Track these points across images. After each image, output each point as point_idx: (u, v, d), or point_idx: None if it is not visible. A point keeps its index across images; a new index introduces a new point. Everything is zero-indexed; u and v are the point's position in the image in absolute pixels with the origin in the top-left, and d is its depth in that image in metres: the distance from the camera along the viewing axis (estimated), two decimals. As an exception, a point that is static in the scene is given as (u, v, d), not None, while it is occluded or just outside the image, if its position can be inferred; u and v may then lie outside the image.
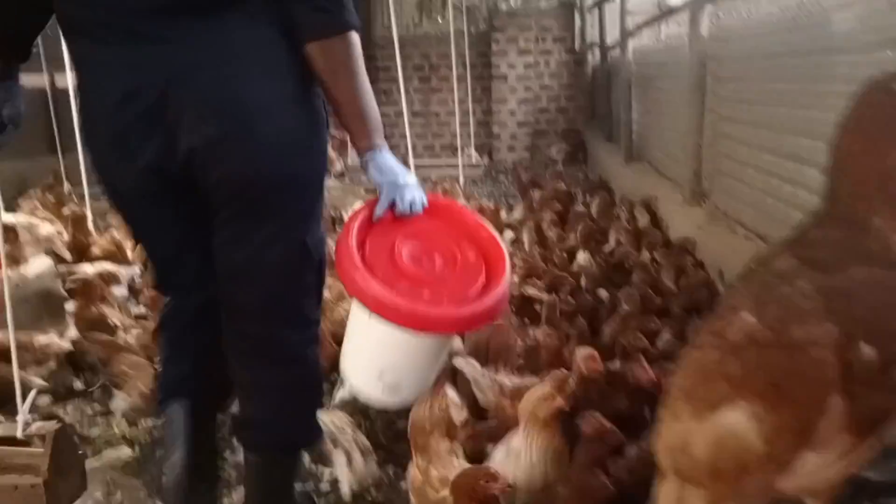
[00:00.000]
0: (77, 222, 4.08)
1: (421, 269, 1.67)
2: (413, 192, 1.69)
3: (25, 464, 1.63)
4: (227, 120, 1.45)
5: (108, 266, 3.43)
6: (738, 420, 1.08)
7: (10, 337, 1.83)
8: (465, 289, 1.66)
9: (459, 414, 1.88)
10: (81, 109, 1.58)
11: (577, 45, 8.81)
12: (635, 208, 4.26)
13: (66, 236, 3.94)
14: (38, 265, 2.93)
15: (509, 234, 4.07)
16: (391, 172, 1.65)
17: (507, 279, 1.70)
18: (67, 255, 3.68)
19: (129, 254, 3.79)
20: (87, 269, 3.36)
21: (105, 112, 1.48)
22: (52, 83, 6.71)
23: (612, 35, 6.76)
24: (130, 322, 2.89)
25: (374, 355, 1.71)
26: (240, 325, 1.66)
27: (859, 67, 2.12)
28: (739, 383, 1.09)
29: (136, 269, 3.69)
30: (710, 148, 3.78)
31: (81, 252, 3.77)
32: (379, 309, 1.57)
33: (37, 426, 1.71)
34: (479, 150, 8.47)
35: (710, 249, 3.28)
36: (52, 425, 1.72)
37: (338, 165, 7.37)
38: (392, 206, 1.68)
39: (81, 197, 4.70)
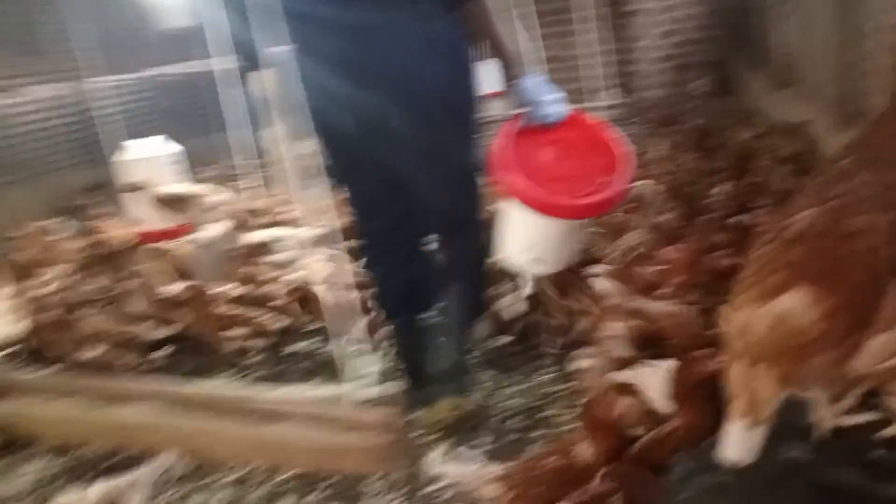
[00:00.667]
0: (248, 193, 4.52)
1: (557, 168, 2.15)
2: (551, 108, 2.16)
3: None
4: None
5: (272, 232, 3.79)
6: (795, 302, 1.17)
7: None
8: (591, 184, 2.13)
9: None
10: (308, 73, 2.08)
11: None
12: (783, 135, 4.04)
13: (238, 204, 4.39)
14: (219, 227, 3.34)
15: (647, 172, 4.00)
16: (533, 93, 2.14)
17: (627, 178, 2.16)
18: (239, 222, 4.09)
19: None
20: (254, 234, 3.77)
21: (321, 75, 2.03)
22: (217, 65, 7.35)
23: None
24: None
25: (521, 236, 2.25)
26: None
27: None
28: (798, 270, 1.19)
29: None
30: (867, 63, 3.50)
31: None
32: (523, 198, 2.10)
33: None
34: (617, 89, 8.23)
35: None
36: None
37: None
38: (536, 119, 2.16)
39: (250, 171, 5.18)
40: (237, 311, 2.98)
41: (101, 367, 2.80)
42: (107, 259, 3.49)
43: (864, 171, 1.18)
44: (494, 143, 2.15)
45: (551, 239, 2.25)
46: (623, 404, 1.64)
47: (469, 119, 2.19)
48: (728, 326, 1.29)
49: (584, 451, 1.60)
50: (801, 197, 1.28)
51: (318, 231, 3.83)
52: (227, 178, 5.95)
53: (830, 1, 3.57)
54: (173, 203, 3.61)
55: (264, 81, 2.26)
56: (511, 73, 2.16)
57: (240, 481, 2.16)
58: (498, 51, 2.15)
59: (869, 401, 1.37)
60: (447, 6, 2.04)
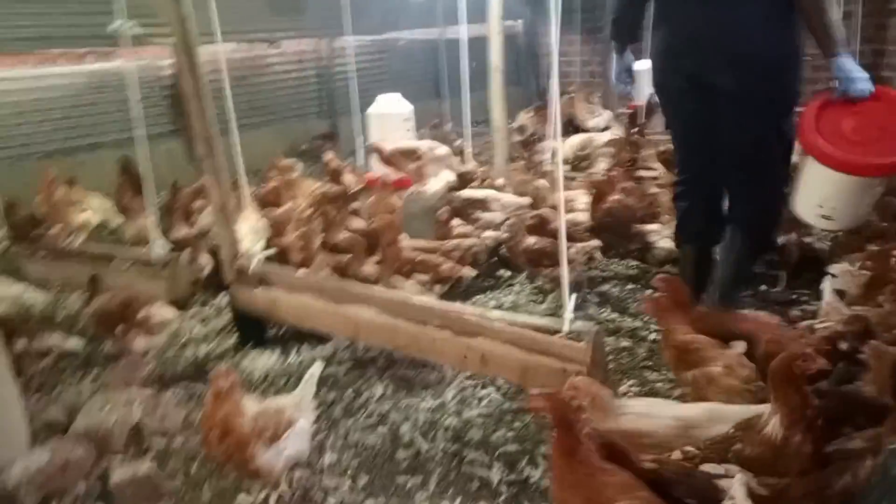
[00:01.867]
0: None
1: (860, 135, 2.48)
2: (861, 84, 2.50)
3: (570, 355, 2.15)
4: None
5: (485, 192, 4.03)
6: None
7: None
8: (887, 150, 2.44)
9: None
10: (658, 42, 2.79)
11: None
12: None
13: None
14: (438, 182, 3.62)
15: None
16: (846, 70, 2.50)
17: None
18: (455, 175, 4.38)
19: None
20: (466, 193, 4.03)
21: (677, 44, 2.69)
22: (443, 36, 7.76)
23: None
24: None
25: (814, 192, 2.64)
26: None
27: None
28: None
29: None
30: None
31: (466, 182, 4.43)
32: (820, 157, 2.50)
33: (578, 325, 2.25)
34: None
35: None
36: (592, 326, 2.26)
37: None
38: (845, 93, 2.51)
39: (461, 134, 5.49)
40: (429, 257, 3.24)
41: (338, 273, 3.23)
42: (337, 198, 3.93)
43: None
44: (805, 110, 2.57)
45: (842, 198, 2.59)
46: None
47: (788, 91, 2.62)
48: None
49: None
50: None
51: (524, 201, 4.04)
52: (448, 140, 6.34)
53: None
54: (402, 155, 3.95)
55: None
56: (828, 50, 2.49)
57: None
58: (818, 29, 2.48)
59: None
60: None
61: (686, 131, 2.90)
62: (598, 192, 3.84)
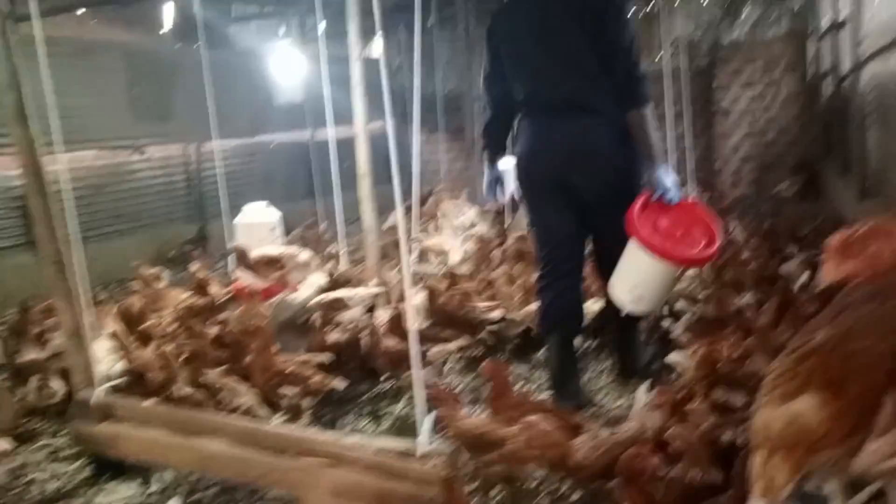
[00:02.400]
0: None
1: (670, 232, 2.93)
2: (671, 194, 2.95)
3: (425, 479, 2.12)
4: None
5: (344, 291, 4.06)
6: (806, 405, 1.41)
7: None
8: (693, 245, 2.93)
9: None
10: (523, 148, 3.21)
11: (808, 74, 8.36)
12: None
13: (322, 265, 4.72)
14: (308, 289, 3.63)
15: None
16: (661, 180, 2.95)
17: (717, 246, 2.93)
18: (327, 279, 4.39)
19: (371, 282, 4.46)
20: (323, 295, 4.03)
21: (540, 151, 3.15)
22: (312, 137, 7.94)
23: (847, 63, 6.39)
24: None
25: (630, 277, 2.98)
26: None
27: None
28: (809, 379, 1.43)
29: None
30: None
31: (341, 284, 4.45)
32: (644, 242, 2.85)
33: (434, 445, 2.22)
34: (700, 185, 8.35)
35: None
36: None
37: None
38: (660, 198, 2.96)
39: (335, 234, 5.57)
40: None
41: (192, 404, 3.08)
42: (205, 309, 3.83)
43: (870, 301, 1.38)
44: (632, 208, 2.94)
45: (652, 283, 2.97)
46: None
47: (631, 190, 3.03)
48: (754, 422, 1.53)
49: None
50: (818, 319, 1.48)
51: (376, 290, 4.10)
52: (315, 241, 6.39)
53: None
54: (268, 263, 3.95)
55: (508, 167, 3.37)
56: (649, 162, 2.98)
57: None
58: (642, 145, 2.99)
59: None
60: (621, 114, 2.98)
61: (549, 226, 3.27)
62: (431, 292, 3.94)
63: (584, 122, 3.04)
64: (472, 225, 5.98)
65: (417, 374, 2.29)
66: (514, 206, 7.36)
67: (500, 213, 7.21)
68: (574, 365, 3.29)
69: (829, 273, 1.38)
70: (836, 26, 6.68)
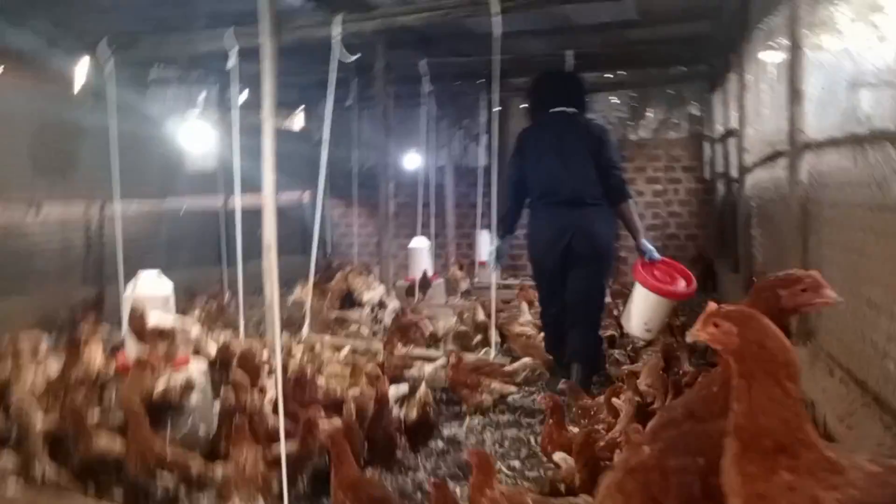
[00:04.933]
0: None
1: (663, 279, 4.32)
2: (654, 255, 4.44)
3: None
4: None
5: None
6: None
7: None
8: (679, 285, 4.35)
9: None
10: (540, 227, 4.58)
11: (706, 175, 8.95)
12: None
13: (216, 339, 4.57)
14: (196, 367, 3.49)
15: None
16: (647, 248, 4.46)
17: (693, 287, 4.43)
18: (212, 354, 4.25)
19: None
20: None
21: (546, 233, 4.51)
22: (225, 205, 7.83)
23: (736, 168, 6.88)
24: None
25: (641, 314, 4.30)
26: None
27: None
28: (630, 498, 1.50)
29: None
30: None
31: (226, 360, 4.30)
32: (650, 286, 4.25)
33: None
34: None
35: (806, 388, 3.27)
36: None
37: (463, 285, 7.84)
38: (650, 259, 4.43)
39: (238, 305, 5.44)
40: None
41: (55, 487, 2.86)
42: (81, 383, 3.61)
43: (686, 421, 1.45)
44: (635, 265, 4.45)
45: (655, 316, 4.30)
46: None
47: (612, 263, 4.71)
48: None
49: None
50: (643, 435, 1.54)
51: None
52: (218, 311, 6.21)
53: (794, 228, 3.93)
54: (158, 335, 3.79)
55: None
56: (637, 237, 4.51)
57: None
58: (630, 227, 4.56)
59: None
60: (609, 204, 4.45)
61: (551, 287, 4.53)
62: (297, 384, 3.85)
63: (584, 209, 4.39)
64: (381, 303, 5.97)
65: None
66: (426, 283, 7.44)
67: (411, 290, 7.25)
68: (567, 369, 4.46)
69: (694, 334, 1.42)
70: (727, 134, 7.23)
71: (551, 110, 4.63)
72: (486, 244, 4.96)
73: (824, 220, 3.63)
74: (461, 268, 8.16)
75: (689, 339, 1.40)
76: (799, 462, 1.17)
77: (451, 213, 9.70)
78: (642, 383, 3.71)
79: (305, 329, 5.07)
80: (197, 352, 4.08)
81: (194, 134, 7.20)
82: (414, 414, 3.44)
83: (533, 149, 4.50)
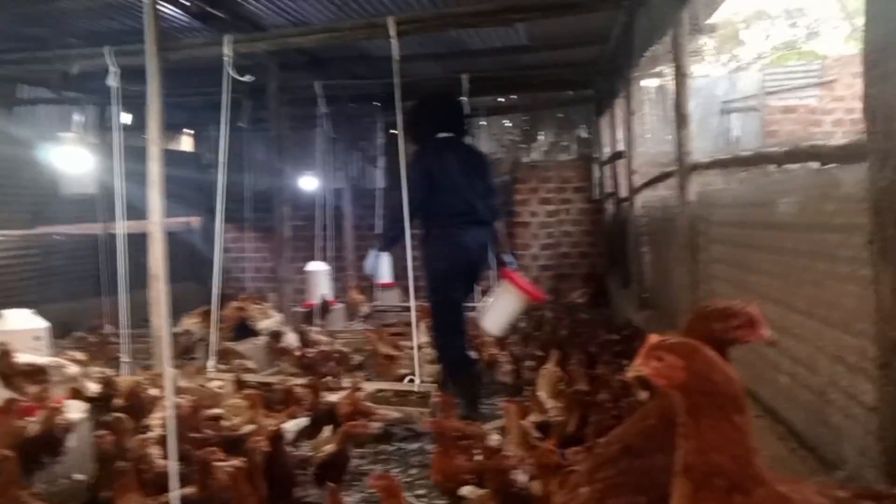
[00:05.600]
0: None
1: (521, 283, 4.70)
2: (515, 265, 4.93)
3: None
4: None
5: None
6: None
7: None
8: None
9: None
10: (440, 245, 4.65)
11: (595, 195, 9.29)
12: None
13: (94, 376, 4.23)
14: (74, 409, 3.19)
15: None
16: (511, 260, 4.91)
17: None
18: (92, 392, 3.93)
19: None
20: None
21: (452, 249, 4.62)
22: (105, 231, 7.35)
23: (624, 188, 7.17)
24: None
25: (504, 311, 4.64)
26: None
27: (802, 244, 2.36)
28: None
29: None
30: (705, 300, 3.97)
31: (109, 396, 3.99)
32: (520, 286, 4.62)
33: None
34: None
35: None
36: None
37: (363, 309, 7.70)
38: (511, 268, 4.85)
39: (119, 337, 5.07)
40: None
41: None
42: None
43: (623, 458, 1.41)
44: (506, 272, 4.72)
45: (513, 317, 4.76)
46: None
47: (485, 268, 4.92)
48: None
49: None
50: (577, 476, 1.49)
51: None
52: (99, 345, 5.77)
53: (683, 245, 4.10)
54: (29, 375, 3.45)
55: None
56: (504, 252, 4.88)
57: None
58: (504, 241, 4.96)
59: None
60: (491, 221, 4.77)
61: (448, 303, 4.66)
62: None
63: (480, 228, 4.69)
64: (279, 331, 5.73)
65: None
66: (325, 308, 7.25)
67: (309, 315, 7.04)
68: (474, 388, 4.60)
69: (636, 368, 1.35)
70: (615, 156, 7.54)
71: (438, 135, 4.78)
72: (371, 258, 4.77)
73: (713, 237, 3.82)
74: (361, 291, 8.02)
75: (630, 374, 1.34)
76: (752, 499, 1.15)
77: (350, 236, 9.55)
78: (542, 394, 3.73)
79: (211, 361, 4.77)
80: (76, 391, 3.75)
81: (70, 157, 6.71)
82: (330, 447, 3.29)
83: (430, 172, 4.62)
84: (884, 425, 1.53)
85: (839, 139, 2.05)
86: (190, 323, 5.99)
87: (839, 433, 2.06)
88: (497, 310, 4.65)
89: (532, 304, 5.11)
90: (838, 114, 9.96)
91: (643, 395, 3.92)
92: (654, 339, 1.31)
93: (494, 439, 3.28)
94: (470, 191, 4.64)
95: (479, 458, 2.98)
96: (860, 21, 1.46)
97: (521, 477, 2.58)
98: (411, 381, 4.61)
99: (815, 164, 2.28)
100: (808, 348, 2.33)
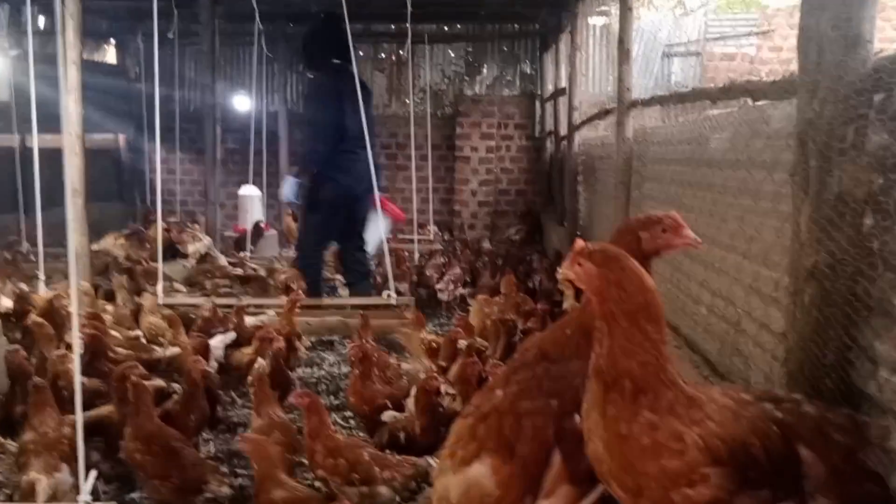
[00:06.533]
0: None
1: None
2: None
3: None
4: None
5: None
6: (480, 472, 1.40)
7: None
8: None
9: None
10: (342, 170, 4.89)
11: (536, 133, 9.27)
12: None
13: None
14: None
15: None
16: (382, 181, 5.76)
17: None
18: (5, 307, 3.78)
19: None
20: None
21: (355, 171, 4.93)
22: (23, 143, 6.91)
23: (565, 126, 7.17)
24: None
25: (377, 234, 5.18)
26: None
27: (730, 181, 2.41)
28: (483, 443, 1.43)
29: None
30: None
31: (23, 312, 3.83)
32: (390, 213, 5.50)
33: None
34: (440, 226, 8.79)
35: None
36: None
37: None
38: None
39: (37, 255, 4.84)
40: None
41: None
42: None
43: (539, 363, 1.43)
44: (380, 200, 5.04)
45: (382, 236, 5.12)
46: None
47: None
48: (433, 491, 1.50)
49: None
50: (494, 380, 1.51)
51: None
52: (13, 263, 5.50)
53: (619, 182, 4.14)
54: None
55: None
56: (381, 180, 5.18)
57: None
58: (380, 170, 5.16)
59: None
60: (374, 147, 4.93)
61: (330, 221, 4.99)
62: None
63: (365, 153, 4.74)
64: (207, 253, 5.58)
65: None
66: (258, 233, 7.09)
67: (240, 242, 6.88)
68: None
69: (563, 272, 1.35)
70: (557, 93, 7.50)
71: (333, 61, 4.92)
72: (290, 186, 5.08)
73: (646, 174, 3.87)
74: (295, 218, 7.86)
75: (558, 276, 1.37)
76: (660, 402, 1.18)
77: (285, 160, 9.28)
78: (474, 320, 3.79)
79: (159, 287, 4.55)
80: (-14, 308, 3.58)
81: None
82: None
83: (340, 95, 4.78)
84: (789, 350, 1.59)
85: (774, 77, 2.07)
86: (111, 243, 5.76)
87: (749, 361, 2.16)
88: (374, 231, 5.10)
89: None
90: (774, 64, 10.14)
91: (570, 301, 4.06)
92: (579, 244, 1.32)
93: (405, 367, 3.32)
94: (366, 116, 4.74)
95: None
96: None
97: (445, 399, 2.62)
98: (389, 296, 4.66)
99: (749, 102, 2.30)
100: (726, 281, 2.40)
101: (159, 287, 4.49)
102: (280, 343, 3.30)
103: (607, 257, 1.28)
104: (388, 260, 5.08)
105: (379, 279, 5.50)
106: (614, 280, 1.25)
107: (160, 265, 4.73)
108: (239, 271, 5.38)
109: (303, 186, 5.06)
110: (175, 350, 3.38)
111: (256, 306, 4.45)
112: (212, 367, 3.17)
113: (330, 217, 4.97)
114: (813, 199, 1.48)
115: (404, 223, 6.60)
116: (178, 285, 4.95)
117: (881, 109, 1.41)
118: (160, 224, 5.27)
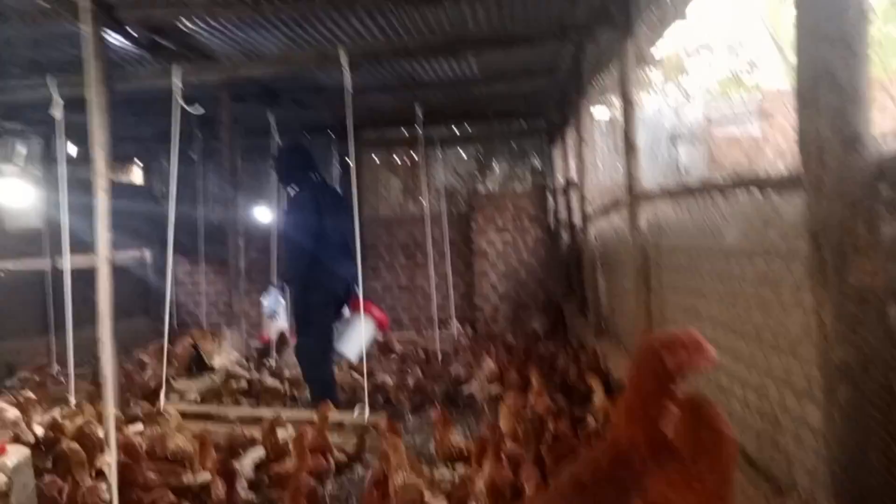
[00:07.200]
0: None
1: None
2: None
3: None
4: None
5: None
6: None
7: None
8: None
9: None
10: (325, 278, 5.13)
11: (551, 224, 9.39)
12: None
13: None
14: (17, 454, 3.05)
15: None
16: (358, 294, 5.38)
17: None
18: (31, 438, 3.78)
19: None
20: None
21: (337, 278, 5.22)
22: (53, 267, 7.12)
23: (579, 216, 7.26)
24: None
25: (356, 340, 5.13)
26: None
27: (747, 271, 2.42)
28: None
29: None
30: (658, 328, 4.02)
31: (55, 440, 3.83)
32: (375, 315, 5.34)
33: None
34: (461, 322, 8.78)
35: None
36: None
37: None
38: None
39: (67, 377, 4.88)
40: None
41: None
42: None
43: (576, 494, 1.39)
44: (369, 305, 5.25)
45: (365, 343, 5.13)
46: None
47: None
48: None
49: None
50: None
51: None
52: (43, 386, 5.54)
53: (635, 272, 4.15)
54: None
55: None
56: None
57: None
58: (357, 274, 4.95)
59: None
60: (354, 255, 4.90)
61: (328, 328, 5.17)
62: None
63: (349, 260, 4.98)
64: (235, 374, 5.61)
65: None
66: (283, 342, 7.11)
67: (263, 351, 6.90)
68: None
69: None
70: (567, 185, 7.65)
71: (311, 176, 5.33)
72: (273, 298, 5.20)
73: (664, 264, 3.88)
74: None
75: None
76: None
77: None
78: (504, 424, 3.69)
79: (162, 398, 4.62)
80: (16, 437, 3.59)
81: (14, 190, 6.52)
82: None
83: (319, 208, 5.14)
84: (830, 449, 1.55)
85: (780, 168, 2.12)
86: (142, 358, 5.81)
87: (790, 457, 2.09)
88: (356, 337, 5.11)
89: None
90: (779, 143, 10.32)
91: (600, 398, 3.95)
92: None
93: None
94: (343, 226, 5.11)
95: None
96: (791, 56, 1.52)
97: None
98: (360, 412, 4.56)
99: (757, 193, 2.34)
100: (757, 374, 2.37)
101: (162, 395, 4.59)
102: (321, 462, 3.27)
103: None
104: (365, 368, 4.88)
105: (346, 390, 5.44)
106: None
107: (164, 374, 4.82)
108: (270, 382, 5.44)
109: (290, 300, 5.29)
110: (205, 476, 3.33)
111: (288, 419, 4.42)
112: (241, 488, 3.13)
113: (325, 319, 5.15)
114: (834, 293, 1.49)
115: (388, 330, 6.59)
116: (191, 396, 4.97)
117: (889, 203, 1.43)
118: (166, 333, 5.33)
